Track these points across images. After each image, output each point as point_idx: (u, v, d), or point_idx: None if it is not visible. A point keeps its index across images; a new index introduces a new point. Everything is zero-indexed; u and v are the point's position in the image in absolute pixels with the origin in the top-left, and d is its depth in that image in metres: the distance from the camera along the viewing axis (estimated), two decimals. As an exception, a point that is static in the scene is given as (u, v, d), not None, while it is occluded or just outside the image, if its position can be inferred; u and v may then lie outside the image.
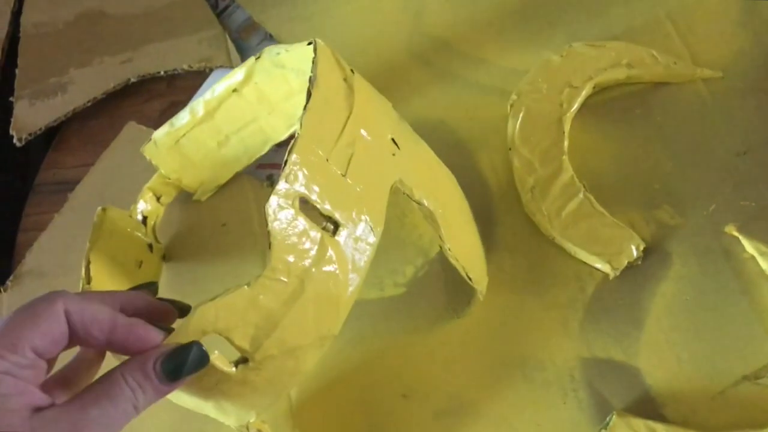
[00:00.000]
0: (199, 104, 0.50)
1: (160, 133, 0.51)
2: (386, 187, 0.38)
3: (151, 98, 0.62)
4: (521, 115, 0.50)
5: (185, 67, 0.61)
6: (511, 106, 0.51)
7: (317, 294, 0.35)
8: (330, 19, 0.62)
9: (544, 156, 0.49)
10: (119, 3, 0.67)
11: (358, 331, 0.47)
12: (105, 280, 0.45)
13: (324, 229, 0.35)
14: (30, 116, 0.61)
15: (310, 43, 0.39)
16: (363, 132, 0.38)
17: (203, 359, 0.32)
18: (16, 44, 0.67)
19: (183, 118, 0.50)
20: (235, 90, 0.49)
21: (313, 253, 0.35)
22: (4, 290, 0.54)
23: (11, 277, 0.54)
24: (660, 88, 0.52)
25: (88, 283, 0.44)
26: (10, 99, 0.63)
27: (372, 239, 0.37)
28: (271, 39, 0.63)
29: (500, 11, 0.59)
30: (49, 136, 0.63)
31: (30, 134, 0.59)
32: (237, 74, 0.48)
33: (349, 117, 0.37)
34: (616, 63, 0.52)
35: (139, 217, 0.51)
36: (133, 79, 0.61)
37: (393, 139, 0.40)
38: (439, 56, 0.58)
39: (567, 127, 0.50)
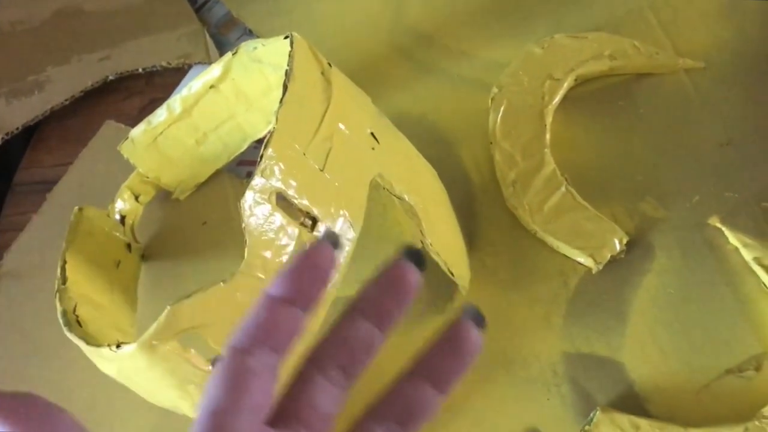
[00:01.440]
0: (176, 101, 0.49)
1: (137, 131, 0.50)
2: (365, 182, 0.38)
3: (129, 96, 0.62)
4: (502, 108, 0.50)
5: (164, 63, 0.60)
6: (492, 99, 0.51)
7: None
8: (310, 13, 0.62)
9: (526, 149, 0.49)
10: (97, -1, 0.66)
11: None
12: (81, 280, 0.45)
13: (302, 224, 0.35)
14: (7, 115, 0.60)
15: (286, 37, 0.39)
16: (341, 126, 0.37)
17: None
18: (-8, 42, 0.66)
19: (160, 115, 0.50)
20: (212, 86, 0.48)
21: (290, 249, 0.34)
22: (-18, 292, 0.53)
23: (-11, 279, 0.54)
24: (642, 79, 0.52)
25: (64, 283, 0.43)
26: (-13, 98, 0.62)
27: (351, 235, 0.37)
28: (250, 34, 0.62)
29: (481, 3, 0.58)
30: (28, 135, 0.62)
31: (7, 134, 0.59)
32: (214, 70, 0.48)
33: (326, 111, 0.37)
34: (598, 54, 0.51)
35: (117, 216, 0.51)
36: (111, 77, 0.60)
37: (372, 134, 0.39)
38: (421, 50, 0.57)
39: (549, 120, 0.50)
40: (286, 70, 0.36)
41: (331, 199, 0.36)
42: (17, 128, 0.59)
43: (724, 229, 0.45)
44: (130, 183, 0.51)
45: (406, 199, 0.41)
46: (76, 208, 0.47)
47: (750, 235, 0.45)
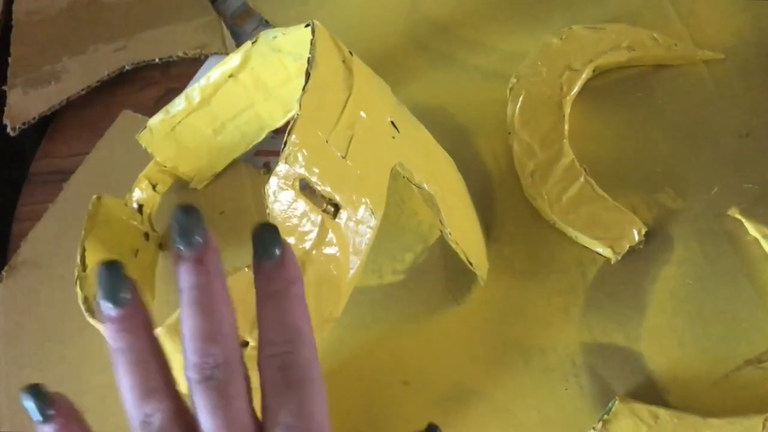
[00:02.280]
0: (194, 90, 0.49)
1: (155, 120, 0.50)
2: (386, 170, 0.38)
3: (146, 86, 0.62)
4: (521, 98, 0.50)
5: (180, 54, 0.60)
6: (511, 89, 0.50)
7: (318, 276, 0.35)
8: (325, 3, 0.62)
9: (544, 140, 0.49)
10: (113, -11, 0.66)
11: (358, 318, 0.47)
12: None
13: (324, 211, 0.35)
14: (23, 105, 0.60)
15: (307, 26, 0.39)
16: (363, 114, 0.37)
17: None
18: (8, 33, 0.66)
19: (179, 104, 0.50)
20: (231, 75, 0.48)
21: (313, 235, 0.35)
22: (0, 281, 0.53)
23: (6, 268, 0.54)
24: (661, 71, 0.52)
25: (84, 270, 0.43)
26: (3, 88, 0.62)
27: (372, 222, 0.37)
28: (266, 24, 0.62)
29: (499, -6, 0.58)
30: (44, 126, 0.62)
31: (24, 123, 0.59)
32: (233, 59, 0.48)
33: (348, 99, 0.37)
34: (617, 45, 0.51)
35: (135, 205, 0.51)
36: (127, 67, 0.60)
37: (392, 122, 0.39)
38: (437, 40, 0.57)
39: (567, 111, 0.50)
40: (308, 58, 0.36)
41: (353, 186, 0.36)
42: (33, 118, 0.59)
43: (743, 220, 0.45)
44: (147, 172, 0.51)
45: (426, 188, 0.41)
46: (95, 196, 0.47)
47: (770, 226, 0.45)
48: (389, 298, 0.47)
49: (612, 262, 0.46)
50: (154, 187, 0.51)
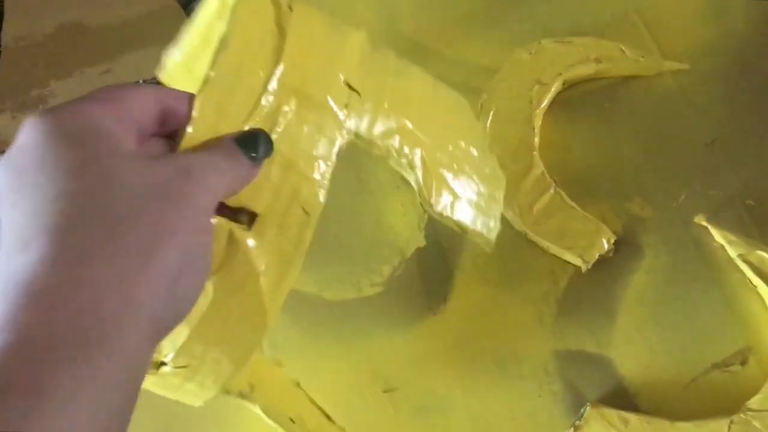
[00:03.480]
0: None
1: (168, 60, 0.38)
2: (328, 154, 0.33)
3: (131, 107, 0.63)
4: (491, 113, 0.51)
5: (163, 75, 0.62)
6: (482, 105, 0.52)
7: (235, 292, 0.32)
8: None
9: (515, 152, 0.50)
10: (97, 14, 0.67)
11: (338, 331, 0.48)
12: None
13: (236, 221, 0.31)
14: (12, 129, 0.61)
15: None
16: (295, 88, 0.32)
17: (270, 144, 0.30)
18: (-3, 58, 0.68)
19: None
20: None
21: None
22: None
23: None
24: (629, 82, 0.53)
25: None
26: (-8, 112, 0.63)
27: (307, 223, 0.33)
28: (247, 45, 0.63)
29: (470, 10, 0.59)
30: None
31: (13, 147, 0.60)
32: None
33: (270, 76, 0.31)
34: (585, 59, 0.52)
35: None
36: (112, 89, 0.62)
37: (348, 84, 0.34)
38: (412, 56, 0.58)
39: (537, 124, 0.51)
40: (221, 37, 0.30)
41: (274, 188, 0.31)
42: (22, 142, 0.61)
43: (709, 227, 0.46)
44: None
45: (395, 148, 0.35)
46: None
47: (735, 232, 0.46)
48: (368, 310, 0.49)
49: (583, 271, 0.47)
50: None
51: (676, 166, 0.49)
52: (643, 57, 0.53)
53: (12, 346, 0.21)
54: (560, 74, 0.52)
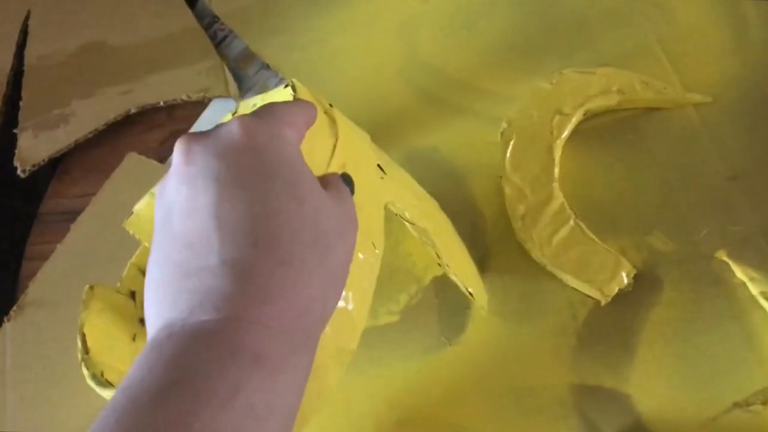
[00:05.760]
0: None
1: (141, 205, 0.47)
2: (380, 207, 0.39)
3: (151, 128, 0.64)
4: (512, 142, 0.51)
5: (184, 97, 0.62)
6: (502, 133, 0.52)
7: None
8: (325, 48, 0.63)
9: (535, 183, 0.50)
10: (120, 34, 0.68)
11: (353, 360, 0.48)
12: (102, 350, 0.45)
13: None
14: (33, 148, 0.62)
15: (287, 86, 0.40)
16: (351, 157, 0.39)
17: (352, 185, 0.37)
18: (20, 77, 0.68)
19: None
20: None
21: None
22: (8, 320, 0.55)
23: (14, 307, 0.55)
24: (650, 114, 0.53)
25: (87, 353, 0.44)
26: (14, 131, 0.64)
27: (376, 256, 0.38)
28: (267, 68, 0.64)
29: (492, 39, 0.59)
30: (56, 163, 0.64)
31: (34, 165, 0.61)
32: None
33: (336, 143, 0.38)
34: (607, 89, 0.52)
35: (127, 292, 0.51)
36: (133, 110, 0.62)
37: (378, 165, 0.41)
38: (432, 84, 0.59)
39: (558, 154, 0.51)
40: None
41: None
42: (43, 160, 0.61)
43: (730, 262, 0.46)
44: (136, 260, 0.50)
45: (419, 224, 0.42)
46: (87, 286, 0.47)
47: (756, 269, 0.45)
48: (384, 339, 0.49)
49: (602, 304, 0.46)
50: (143, 272, 0.51)
51: (697, 201, 0.49)
52: (665, 89, 0.53)
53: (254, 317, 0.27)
54: (582, 105, 0.52)
